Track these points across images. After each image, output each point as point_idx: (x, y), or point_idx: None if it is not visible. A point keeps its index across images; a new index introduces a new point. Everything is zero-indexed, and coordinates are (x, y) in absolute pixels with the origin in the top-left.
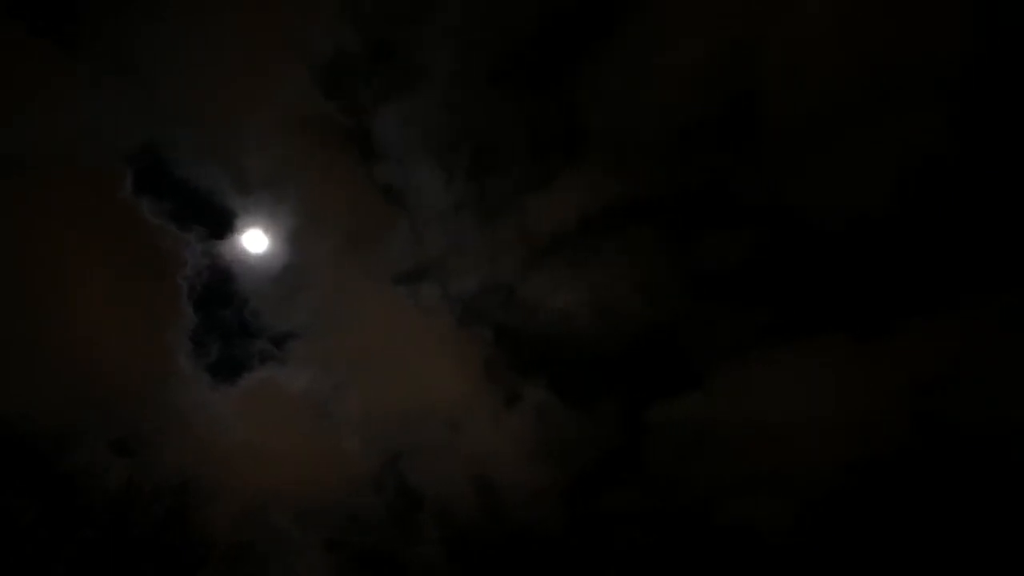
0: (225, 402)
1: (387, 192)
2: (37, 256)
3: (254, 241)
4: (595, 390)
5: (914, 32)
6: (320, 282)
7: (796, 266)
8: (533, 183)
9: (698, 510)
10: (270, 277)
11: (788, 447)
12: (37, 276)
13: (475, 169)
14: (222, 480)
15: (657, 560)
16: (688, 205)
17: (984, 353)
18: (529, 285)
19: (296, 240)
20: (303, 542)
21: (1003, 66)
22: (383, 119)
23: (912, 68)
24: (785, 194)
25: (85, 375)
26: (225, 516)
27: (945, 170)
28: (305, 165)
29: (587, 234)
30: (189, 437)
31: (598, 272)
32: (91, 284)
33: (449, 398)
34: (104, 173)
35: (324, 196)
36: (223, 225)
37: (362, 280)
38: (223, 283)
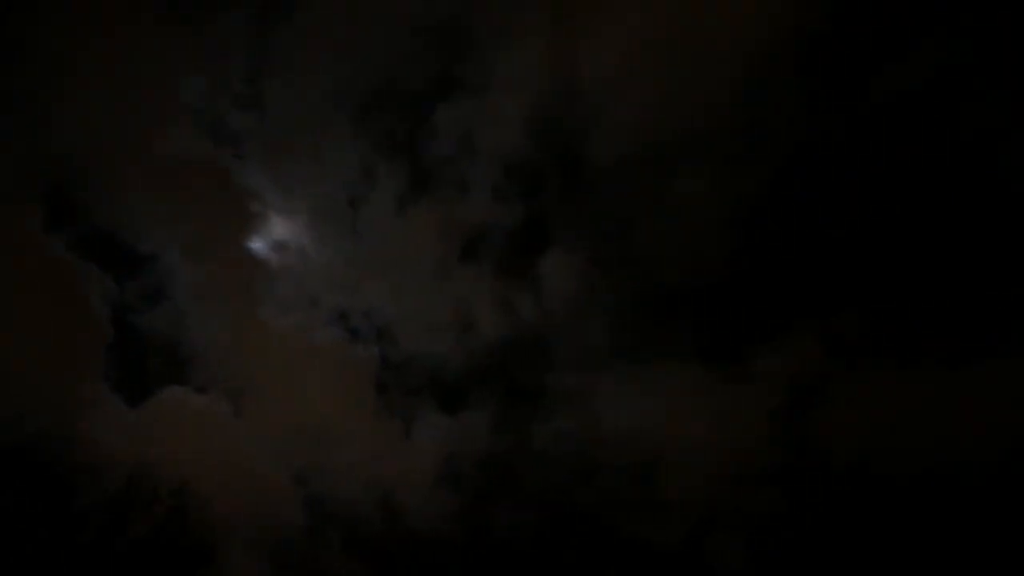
0: (136, 420)
1: (269, 224)
2: None
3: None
4: (470, 403)
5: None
6: (216, 310)
7: (649, 295)
8: (390, 213)
9: (585, 525)
10: (171, 306)
11: (667, 464)
12: None
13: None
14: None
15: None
16: (527, 233)
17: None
18: (404, 308)
19: (192, 271)
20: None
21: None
22: (257, 162)
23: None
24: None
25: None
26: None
27: (772, 206)
28: (194, 206)
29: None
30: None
31: (461, 291)
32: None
33: (342, 415)
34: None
35: (214, 231)
36: (124, 259)
37: (253, 308)
38: (128, 311)
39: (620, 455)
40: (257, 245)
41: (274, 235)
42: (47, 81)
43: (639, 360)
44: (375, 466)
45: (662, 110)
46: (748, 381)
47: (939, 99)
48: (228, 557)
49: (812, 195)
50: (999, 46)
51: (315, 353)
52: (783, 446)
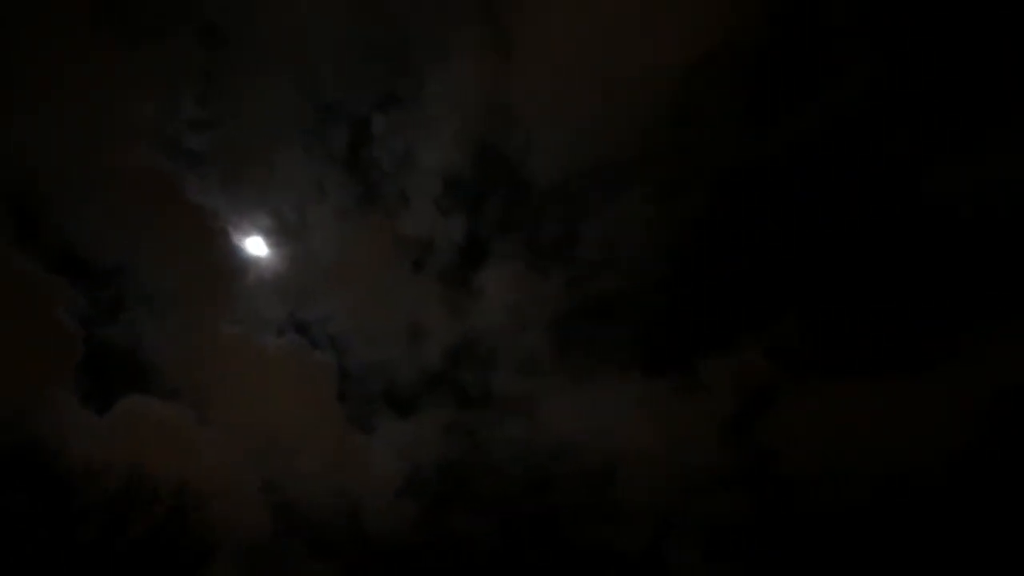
0: (102, 426)
1: (227, 238)
2: None
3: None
4: (423, 410)
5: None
6: (179, 321)
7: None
8: (341, 226)
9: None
10: (135, 317)
11: (621, 470)
12: None
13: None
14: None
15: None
16: (470, 246)
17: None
18: (357, 318)
19: (154, 284)
20: None
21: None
22: (214, 179)
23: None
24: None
25: None
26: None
27: (713, 222)
28: (155, 221)
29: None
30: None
31: (410, 300)
32: None
33: (304, 422)
34: None
35: (174, 245)
36: (90, 273)
37: (214, 319)
38: (93, 323)
39: (574, 461)
40: (216, 258)
41: (232, 249)
42: (8, 103)
43: (584, 369)
44: (337, 473)
45: (595, 131)
46: (696, 391)
47: (870, 118)
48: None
49: (750, 211)
50: (929, 68)
51: (275, 362)
52: (734, 453)
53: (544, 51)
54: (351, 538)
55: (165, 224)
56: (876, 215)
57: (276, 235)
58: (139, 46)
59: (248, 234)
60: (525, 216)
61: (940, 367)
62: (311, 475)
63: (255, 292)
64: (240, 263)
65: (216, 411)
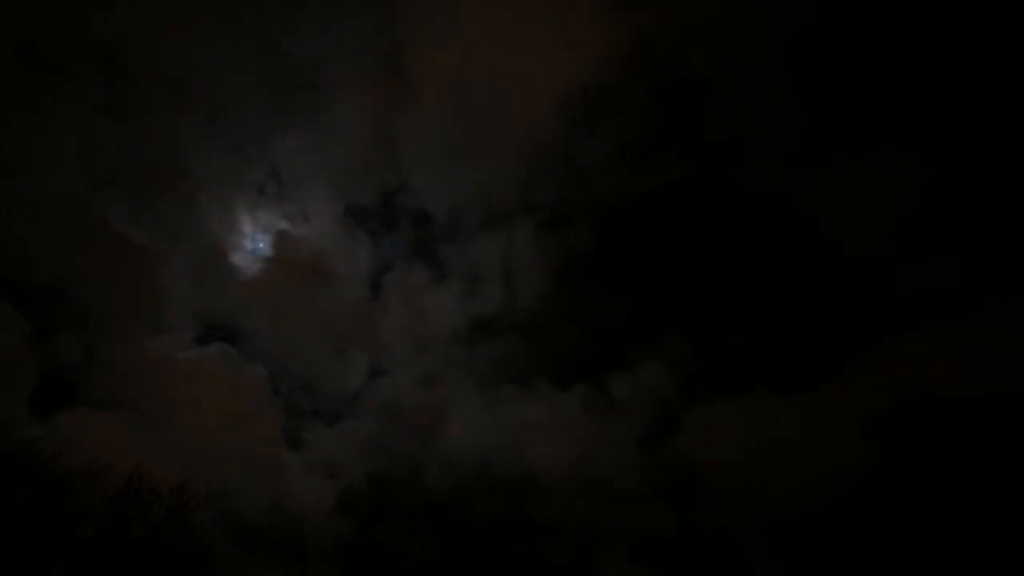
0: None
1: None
2: None
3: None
4: (348, 419)
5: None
6: (115, 336)
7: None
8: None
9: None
10: (74, 334)
11: (542, 483)
12: None
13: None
14: None
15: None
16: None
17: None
18: (281, 330)
19: (92, 302)
20: None
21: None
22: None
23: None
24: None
25: None
26: None
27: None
28: (80, 242)
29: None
30: None
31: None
32: None
33: (239, 432)
34: None
35: (110, 266)
36: (31, 294)
37: (150, 333)
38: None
39: (494, 474)
40: (138, 275)
41: (155, 265)
42: None
43: (493, 384)
44: (273, 480)
45: (483, 167)
46: (608, 407)
47: (749, 144)
48: None
49: (638, 242)
50: (788, 102)
51: (209, 373)
52: (650, 465)
53: (437, 91)
54: (290, 547)
55: (89, 245)
56: (766, 248)
57: (196, 252)
58: (59, 78)
59: (171, 252)
60: (426, 242)
61: (834, 384)
62: (248, 484)
63: (180, 305)
64: (164, 279)
65: (153, 421)
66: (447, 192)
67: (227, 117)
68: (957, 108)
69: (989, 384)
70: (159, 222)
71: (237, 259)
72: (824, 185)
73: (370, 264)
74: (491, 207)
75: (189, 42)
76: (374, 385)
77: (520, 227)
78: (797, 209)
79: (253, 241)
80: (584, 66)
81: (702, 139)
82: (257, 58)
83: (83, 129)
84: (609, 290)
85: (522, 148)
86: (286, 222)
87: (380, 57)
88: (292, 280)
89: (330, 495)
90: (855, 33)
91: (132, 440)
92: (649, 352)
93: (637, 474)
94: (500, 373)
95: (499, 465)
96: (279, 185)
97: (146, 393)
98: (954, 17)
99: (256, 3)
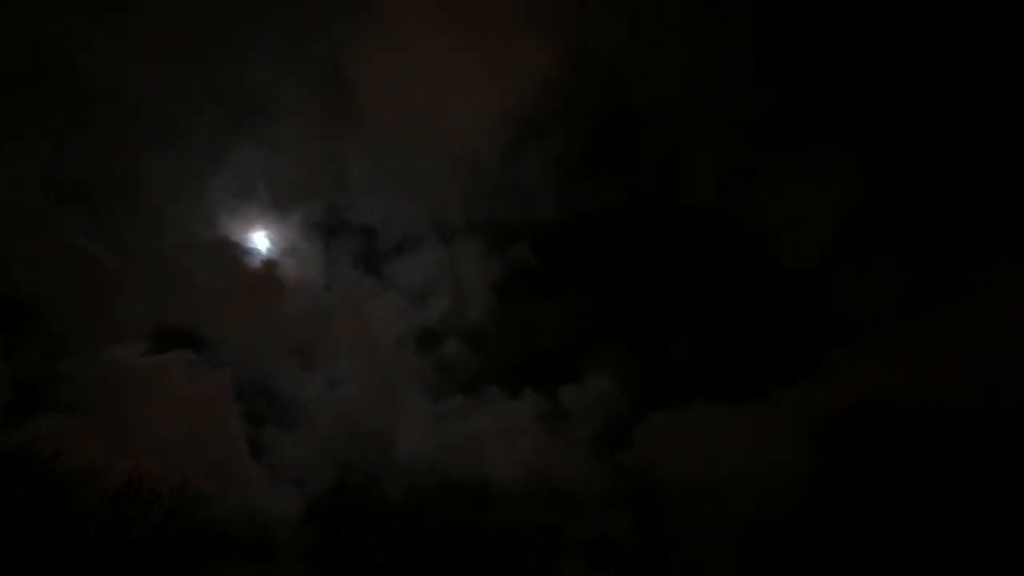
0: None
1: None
2: None
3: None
4: (307, 425)
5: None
6: (80, 343)
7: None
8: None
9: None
10: (40, 343)
11: (497, 489)
12: None
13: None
14: None
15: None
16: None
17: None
18: (242, 335)
19: (54, 312)
20: None
21: None
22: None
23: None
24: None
25: None
26: None
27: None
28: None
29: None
30: None
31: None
32: None
33: (204, 437)
34: None
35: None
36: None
37: (113, 340)
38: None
39: (455, 480)
40: (108, 289)
41: (122, 280)
42: None
43: (445, 393)
44: (241, 488)
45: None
46: (560, 416)
47: (692, 154)
48: None
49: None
50: (724, 123)
51: (172, 378)
52: (606, 474)
53: (382, 113)
54: (252, 550)
55: (48, 259)
56: (701, 252)
57: (155, 264)
58: (14, 94)
59: (130, 264)
60: (375, 256)
61: (781, 393)
62: (218, 490)
63: (139, 315)
64: (124, 290)
65: (119, 426)
66: (394, 209)
67: (185, 136)
68: (892, 122)
69: (929, 392)
70: (117, 235)
71: (195, 271)
72: (762, 200)
73: (323, 277)
74: (437, 224)
75: (143, 64)
76: (331, 394)
77: (465, 243)
78: (736, 222)
79: (210, 253)
80: (523, 88)
81: (641, 156)
82: (209, 80)
83: (40, 145)
84: (555, 303)
85: (465, 167)
86: (242, 235)
87: (327, 81)
88: (249, 291)
89: (294, 501)
90: (790, 49)
91: (93, 444)
92: (598, 362)
93: (592, 481)
94: (451, 383)
95: (455, 472)
96: (234, 200)
97: (108, 399)
98: (886, 30)
99: (208, 26)
